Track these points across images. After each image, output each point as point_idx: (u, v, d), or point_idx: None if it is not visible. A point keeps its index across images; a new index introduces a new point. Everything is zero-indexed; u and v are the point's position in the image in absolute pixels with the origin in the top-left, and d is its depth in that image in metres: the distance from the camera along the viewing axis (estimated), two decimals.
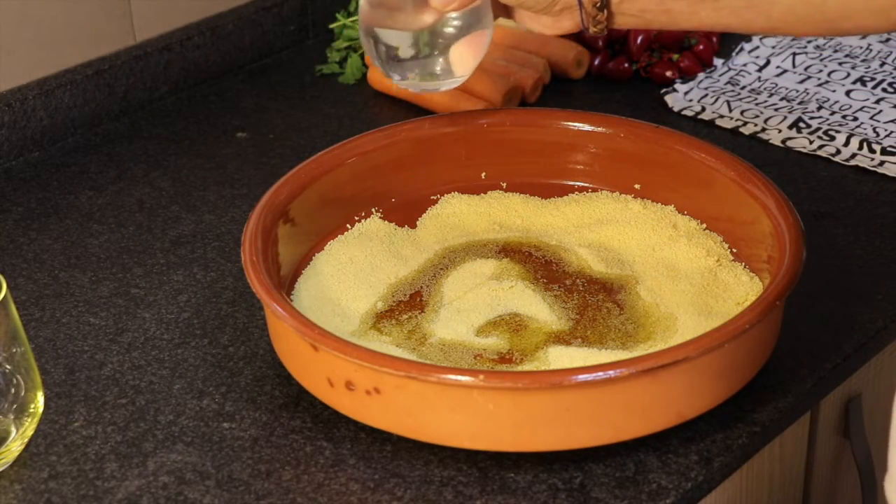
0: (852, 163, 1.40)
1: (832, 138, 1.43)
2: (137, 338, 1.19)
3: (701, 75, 1.56)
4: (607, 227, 1.25)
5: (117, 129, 1.50)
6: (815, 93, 1.52)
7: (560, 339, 1.13)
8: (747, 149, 1.42)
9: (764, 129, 1.46)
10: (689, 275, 1.19)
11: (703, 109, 1.49)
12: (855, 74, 1.55)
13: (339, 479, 1.04)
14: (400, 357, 1.06)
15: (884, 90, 1.51)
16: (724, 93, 1.52)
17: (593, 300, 1.17)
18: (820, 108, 1.49)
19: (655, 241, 1.23)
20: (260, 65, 1.63)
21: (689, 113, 1.49)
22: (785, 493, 1.21)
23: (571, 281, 1.20)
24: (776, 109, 1.49)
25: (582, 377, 1.00)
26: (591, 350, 1.11)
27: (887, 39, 1.62)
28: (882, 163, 1.39)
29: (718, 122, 1.48)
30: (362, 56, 1.60)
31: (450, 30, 1.15)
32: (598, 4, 1.10)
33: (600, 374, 1.00)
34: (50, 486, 1.04)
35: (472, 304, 1.17)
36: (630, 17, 1.12)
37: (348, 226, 1.26)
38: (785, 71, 1.57)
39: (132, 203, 1.38)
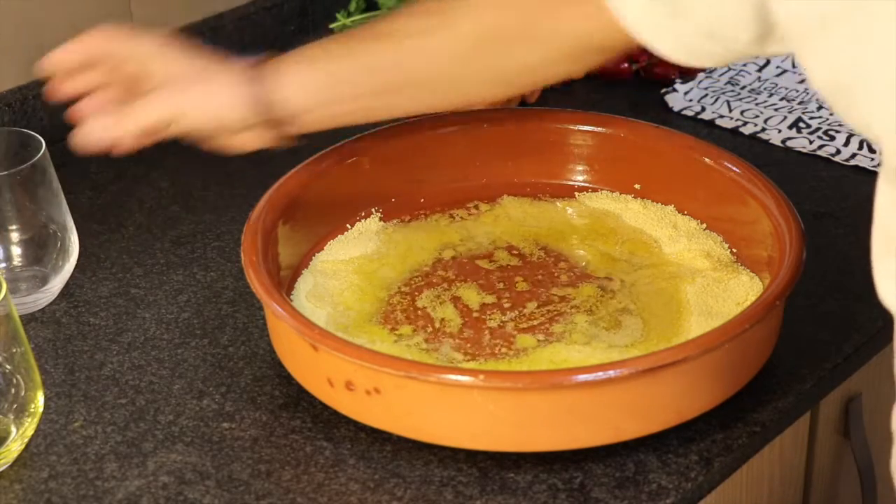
0: (852, 163, 1.40)
1: (832, 138, 1.43)
2: (137, 338, 1.19)
3: (701, 75, 1.56)
4: (607, 226, 1.25)
5: None
6: (815, 93, 1.52)
7: (561, 338, 1.13)
8: (747, 149, 1.42)
9: (764, 129, 1.46)
10: (689, 275, 1.19)
11: (703, 109, 1.49)
12: None
13: (339, 479, 1.04)
14: (400, 357, 1.06)
15: None
16: (724, 93, 1.52)
17: (593, 300, 1.17)
18: (820, 107, 1.49)
19: (655, 241, 1.23)
20: None
21: (689, 113, 1.49)
22: (785, 493, 1.21)
23: (571, 281, 1.20)
24: (776, 109, 1.49)
25: (582, 377, 1.00)
26: (591, 350, 1.11)
27: None
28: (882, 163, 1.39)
29: (718, 122, 1.48)
30: None
31: None
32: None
33: (600, 374, 1.00)
34: (50, 486, 1.04)
35: (473, 303, 1.17)
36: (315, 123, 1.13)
37: (348, 226, 1.26)
38: (785, 71, 1.57)
39: (132, 203, 1.38)
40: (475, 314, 1.16)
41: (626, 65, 1.57)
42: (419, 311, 1.16)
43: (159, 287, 1.25)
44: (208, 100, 1.11)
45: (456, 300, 1.18)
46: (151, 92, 1.11)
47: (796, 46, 0.85)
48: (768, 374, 1.11)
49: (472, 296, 1.18)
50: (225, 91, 1.10)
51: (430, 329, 1.14)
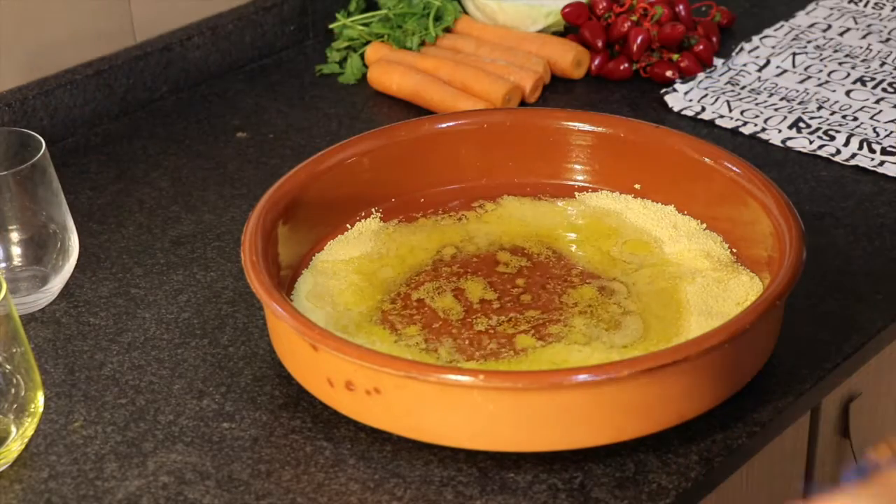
0: (852, 163, 1.40)
1: (832, 138, 1.43)
2: (137, 338, 1.19)
3: (701, 75, 1.56)
4: (607, 226, 1.25)
5: (117, 129, 1.50)
6: (815, 93, 1.52)
7: (561, 338, 1.13)
8: (747, 149, 1.42)
9: (764, 129, 1.46)
10: (689, 275, 1.19)
11: (703, 109, 1.49)
12: (855, 74, 1.55)
13: (339, 479, 1.04)
14: (400, 357, 1.06)
15: (884, 90, 1.51)
16: (724, 93, 1.52)
17: (593, 300, 1.17)
18: (820, 108, 1.49)
19: (655, 241, 1.23)
20: (260, 65, 1.63)
21: (689, 113, 1.49)
22: (785, 493, 1.21)
23: (571, 281, 1.20)
24: (776, 109, 1.49)
25: (582, 377, 1.00)
26: (591, 350, 1.11)
27: (887, 39, 1.62)
28: (882, 163, 1.39)
29: (718, 122, 1.48)
30: (362, 56, 1.60)
31: None
32: None
33: (600, 374, 1.00)
34: (50, 486, 1.04)
35: (474, 297, 1.17)
36: None
37: (348, 226, 1.26)
38: (785, 71, 1.57)
39: (132, 203, 1.38)
40: (476, 306, 1.16)
41: (626, 65, 1.57)
42: (419, 305, 1.16)
43: (159, 287, 1.25)
44: None
45: (458, 292, 1.18)
46: None
47: None
48: (768, 374, 1.11)
49: (475, 289, 1.18)
50: None
51: (433, 325, 1.14)
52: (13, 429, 1.04)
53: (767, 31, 1.65)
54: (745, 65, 1.58)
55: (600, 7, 1.61)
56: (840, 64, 1.57)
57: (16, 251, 1.20)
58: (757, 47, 1.61)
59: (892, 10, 1.69)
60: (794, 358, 1.14)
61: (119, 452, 1.07)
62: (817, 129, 1.45)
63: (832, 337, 1.16)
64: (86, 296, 1.24)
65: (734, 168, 1.21)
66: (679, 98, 1.52)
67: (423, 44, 1.60)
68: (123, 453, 1.06)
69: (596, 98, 1.54)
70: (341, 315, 1.16)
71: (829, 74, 1.55)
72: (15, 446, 1.04)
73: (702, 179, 1.24)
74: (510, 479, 1.03)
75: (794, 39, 1.63)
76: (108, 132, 1.50)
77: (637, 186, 1.28)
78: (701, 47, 1.58)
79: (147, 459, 1.06)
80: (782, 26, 1.66)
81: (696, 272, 1.19)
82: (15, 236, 1.20)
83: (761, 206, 1.17)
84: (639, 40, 1.57)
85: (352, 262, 1.21)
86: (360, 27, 1.62)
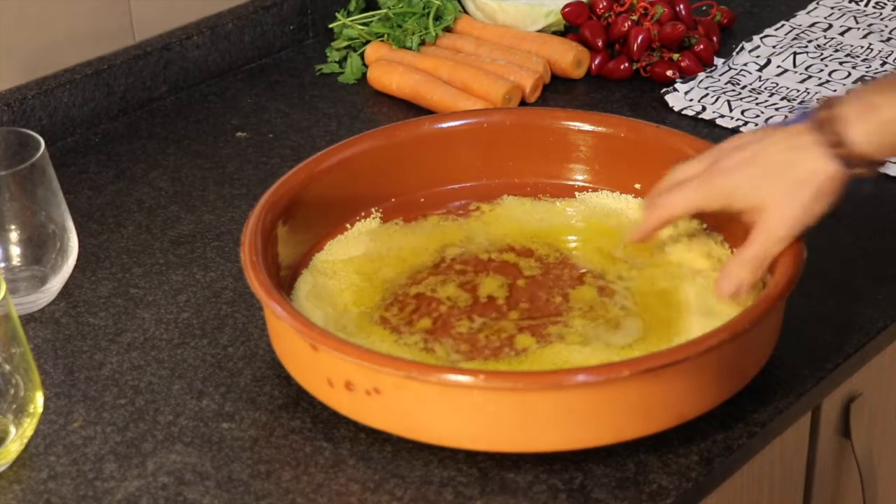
0: None
1: None
2: (137, 338, 1.18)
3: (701, 75, 1.56)
4: (607, 226, 1.25)
5: (116, 129, 1.50)
6: (816, 92, 1.52)
7: (561, 338, 1.13)
8: None
9: None
10: (690, 275, 1.19)
11: (704, 109, 1.49)
12: (856, 74, 1.55)
13: (339, 479, 1.03)
14: (400, 357, 1.06)
15: None
16: (724, 92, 1.52)
17: (593, 300, 1.17)
18: None
19: (655, 241, 1.23)
20: (259, 64, 1.63)
21: (689, 112, 1.49)
22: (785, 493, 1.21)
23: (572, 281, 1.20)
24: (777, 109, 1.49)
25: (582, 377, 1.00)
26: (591, 350, 1.10)
27: (888, 39, 1.62)
28: None
29: (719, 121, 1.47)
30: (362, 56, 1.60)
31: None
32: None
33: (600, 374, 1.00)
34: (49, 486, 1.04)
35: (474, 303, 1.17)
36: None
37: (348, 226, 1.26)
38: (786, 70, 1.57)
39: (132, 203, 1.37)
40: (483, 300, 1.16)
41: (626, 64, 1.57)
42: (419, 304, 1.16)
43: (159, 287, 1.25)
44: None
45: (463, 287, 1.18)
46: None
47: None
48: (768, 374, 1.11)
49: (489, 285, 1.18)
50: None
51: (433, 321, 1.14)
52: (12, 429, 1.04)
53: (768, 31, 1.65)
54: (745, 64, 1.58)
55: (600, 6, 1.61)
56: (841, 63, 1.57)
57: (15, 251, 1.20)
58: (758, 47, 1.61)
59: (893, 10, 1.69)
60: (794, 358, 1.14)
61: (118, 453, 1.06)
62: None
63: (832, 337, 1.16)
64: (85, 296, 1.24)
65: None
66: (679, 98, 1.51)
67: (423, 43, 1.60)
68: (123, 454, 1.06)
69: (596, 98, 1.54)
70: (341, 315, 1.16)
71: (829, 74, 1.55)
72: (14, 447, 1.04)
73: None
74: (510, 480, 1.03)
75: (794, 39, 1.63)
76: (108, 132, 1.50)
77: (637, 186, 1.28)
78: (701, 47, 1.58)
79: (146, 460, 1.06)
80: (783, 25, 1.66)
81: (697, 272, 1.19)
82: (14, 236, 1.20)
83: None
84: (639, 40, 1.57)
85: (352, 262, 1.21)
86: (360, 27, 1.61)
